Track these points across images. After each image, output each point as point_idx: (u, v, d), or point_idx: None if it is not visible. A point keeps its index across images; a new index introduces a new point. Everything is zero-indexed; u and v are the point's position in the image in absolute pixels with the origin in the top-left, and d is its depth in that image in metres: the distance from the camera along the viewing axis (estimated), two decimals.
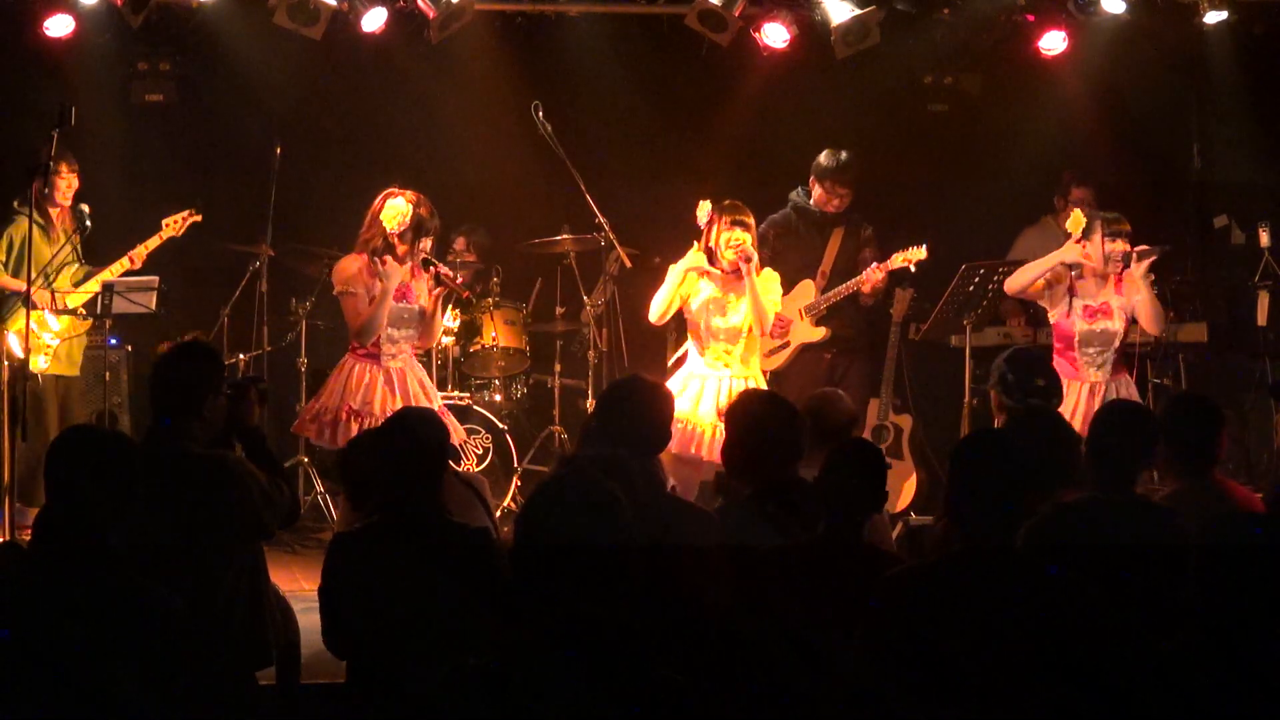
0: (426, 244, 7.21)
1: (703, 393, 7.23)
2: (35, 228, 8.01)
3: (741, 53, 9.17)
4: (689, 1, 8.87)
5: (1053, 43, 9.16)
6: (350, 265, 7.22)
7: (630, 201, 9.34)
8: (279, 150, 9.07)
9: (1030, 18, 9.11)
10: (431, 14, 8.64)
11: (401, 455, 4.52)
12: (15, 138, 8.51)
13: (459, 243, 9.81)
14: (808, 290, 8.40)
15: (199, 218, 8.33)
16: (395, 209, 7.16)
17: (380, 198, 7.23)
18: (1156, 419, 5.18)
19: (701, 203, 7.39)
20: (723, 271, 7.33)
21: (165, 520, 4.63)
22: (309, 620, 5.17)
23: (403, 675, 4.29)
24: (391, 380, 7.17)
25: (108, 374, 8.53)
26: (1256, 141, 9.77)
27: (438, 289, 7.28)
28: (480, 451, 8.69)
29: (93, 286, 8.26)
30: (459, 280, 7.51)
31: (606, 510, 3.03)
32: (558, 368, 9.35)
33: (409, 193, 7.21)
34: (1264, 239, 8.97)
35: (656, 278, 9.51)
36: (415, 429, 4.61)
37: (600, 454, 4.47)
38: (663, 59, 9.68)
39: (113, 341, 8.76)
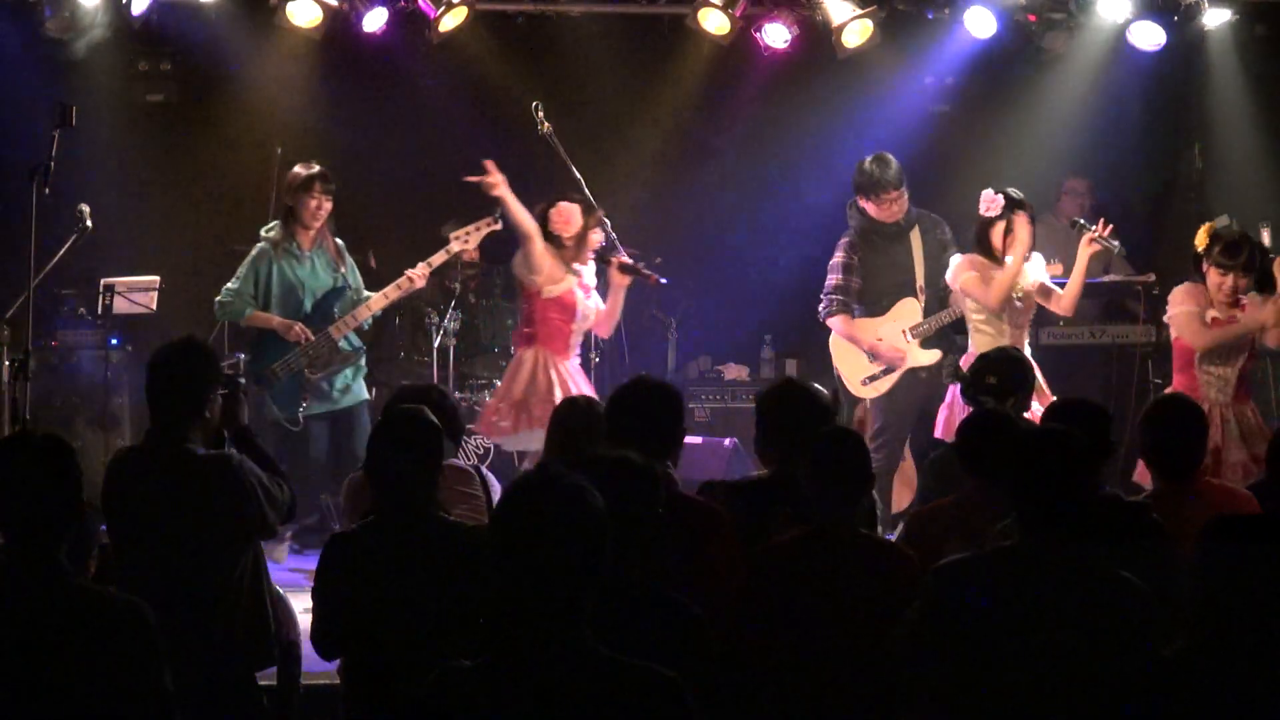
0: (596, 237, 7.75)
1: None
2: (287, 256, 7.99)
3: (742, 53, 9.17)
4: (689, 1, 8.88)
5: (1052, 43, 9.16)
6: (548, 256, 7.63)
7: (631, 201, 9.34)
8: (279, 150, 9.08)
9: (1031, 18, 9.11)
10: (432, 14, 8.64)
11: (397, 454, 4.50)
12: (16, 138, 8.49)
13: None
14: (911, 310, 8.18)
15: (498, 226, 8.10)
16: (568, 214, 7.67)
17: (554, 202, 7.71)
18: (1109, 420, 5.17)
19: (992, 196, 7.63)
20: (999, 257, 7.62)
21: (170, 520, 4.62)
22: (309, 620, 5.17)
23: (398, 676, 4.28)
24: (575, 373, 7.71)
25: (108, 373, 8.54)
26: (1256, 141, 9.77)
27: (622, 278, 7.77)
28: (480, 452, 8.69)
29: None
30: (641, 267, 7.93)
31: (577, 504, 3.00)
32: None
33: (574, 196, 7.73)
34: (1265, 239, 8.96)
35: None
36: (410, 427, 4.59)
37: (608, 455, 4.47)
38: (663, 59, 9.67)
39: (113, 341, 8.77)
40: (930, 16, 9.20)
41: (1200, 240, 7.20)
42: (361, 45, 8.97)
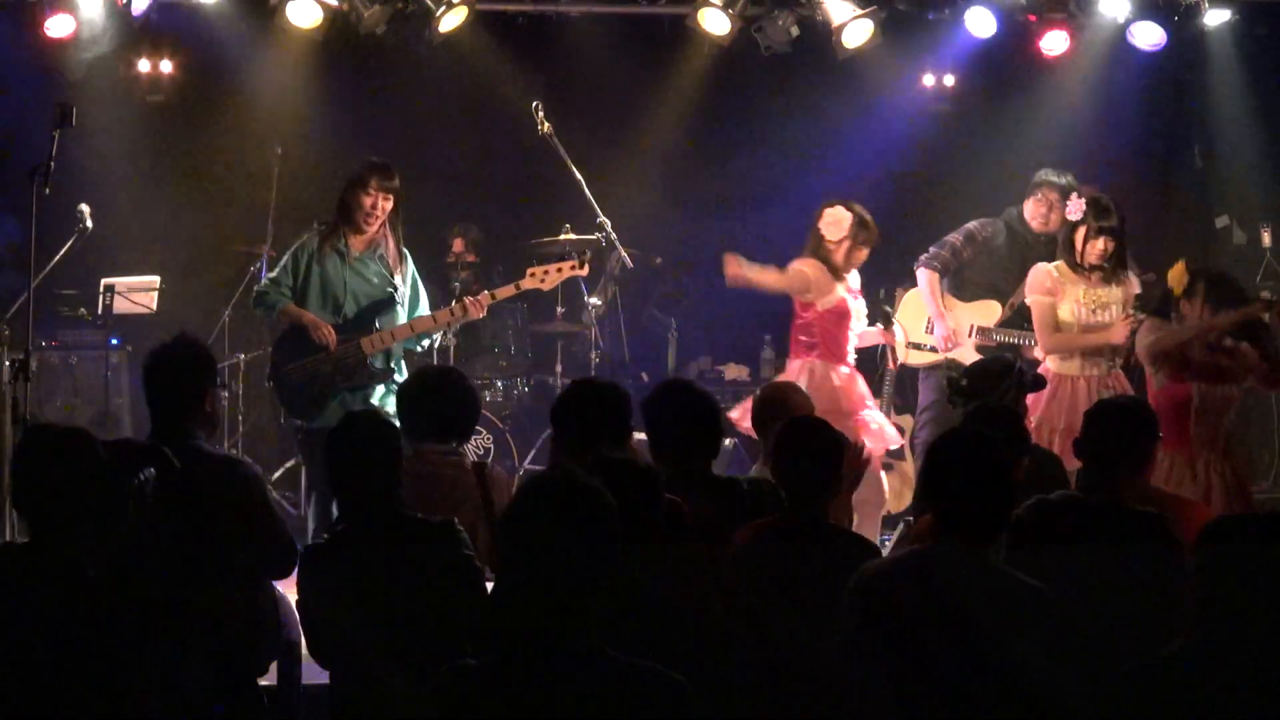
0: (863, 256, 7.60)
1: (1067, 393, 7.14)
2: (332, 253, 7.33)
3: (742, 53, 9.17)
4: (689, 1, 8.88)
5: (1053, 43, 9.16)
6: (808, 273, 7.53)
7: (631, 201, 9.34)
8: (279, 150, 9.08)
9: (1031, 18, 9.12)
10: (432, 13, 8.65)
11: (355, 459, 4.51)
12: (16, 138, 8.49)
13: (457, 244, 9.78)
14: (990, 312, 8.22)
15: (583, 272, 7.86)
16: (834, 217, 7.53)
17: (821, 208, 7.60)
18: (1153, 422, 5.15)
19: (1077, 199, 7.40)
20: (1087, 271, 7.31)
21: (175, 516, 4.61)
22: None
23: (386, 678, 4.28)
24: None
25: (108, 373, 8.54)
26: (1257, 142, 9.77)
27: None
28: (481, 452, 8.69)
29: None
30: None
31: (589, 504, 3.01)
32: (558, 368, 9.34)
33: (847, 203, 7.57)
34: (1265, 239, 8.99)
35: (658, 277, 9.54)
36: (361, 434, 4.60)
37: (611, 457, 4.48)
38: (663, 59, 9.68)
39: (113, 341, 8.77)
40: (930, 16, 9.20)
41: (1178, 281, 6.71)
42: (361, 45, 8.97)
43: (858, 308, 7.70)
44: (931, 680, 3.84)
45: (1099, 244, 7.24)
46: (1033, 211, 8.23)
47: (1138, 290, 7.33)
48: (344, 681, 4.49)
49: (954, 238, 8.30)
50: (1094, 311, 7.26)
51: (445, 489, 5.09)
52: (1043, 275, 7.36)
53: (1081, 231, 7.27)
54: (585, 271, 7.87)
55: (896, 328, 8.22)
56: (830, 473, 4.59)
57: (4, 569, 3.73)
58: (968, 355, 8.12)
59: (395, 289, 7.40)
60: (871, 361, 8.92)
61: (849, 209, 7.58)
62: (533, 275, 7.72)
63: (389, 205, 7.33)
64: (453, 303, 7.71)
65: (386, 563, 4.36)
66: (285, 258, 7.45)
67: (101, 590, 3.62)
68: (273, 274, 7.51)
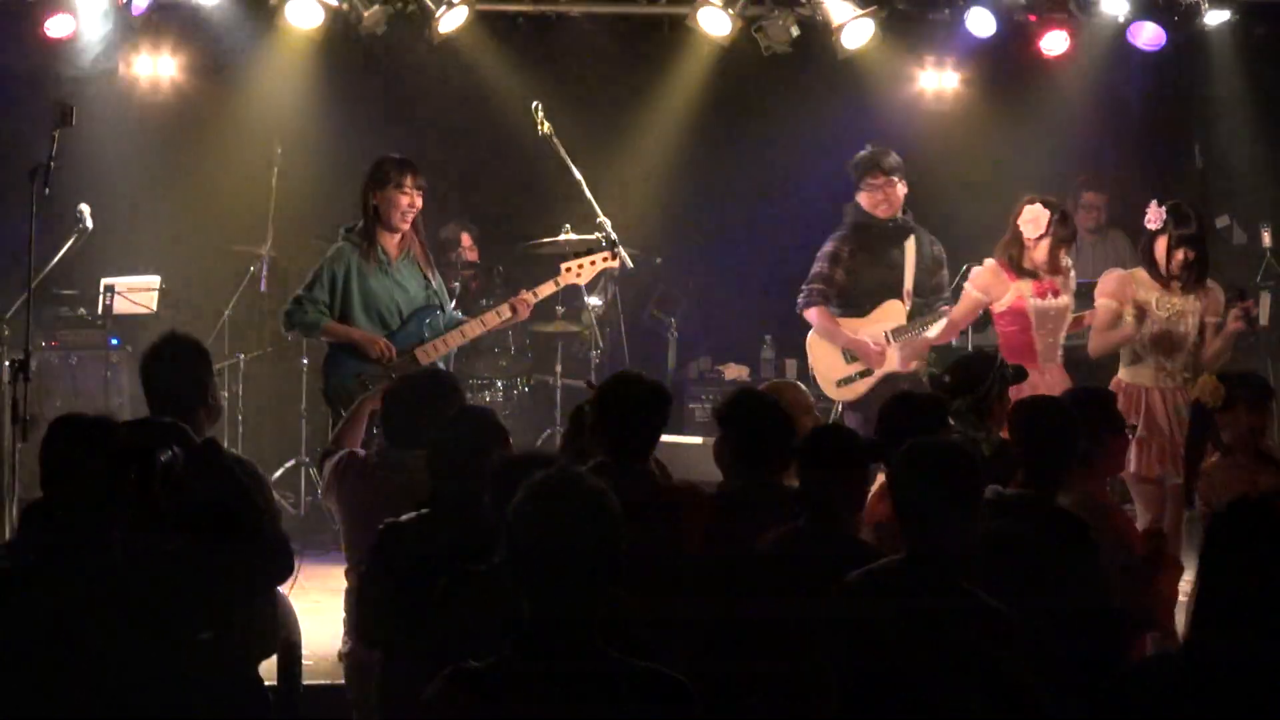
0: (1065, 252, 7.24)
1: (1141, 404, 6.91)
2: (365, 260, 7.11)
3: (742, 53, 9.18)
4: (689, 1, 8.89)
5: (1053, 43, 9.18)
6: (988, 273, 7.28)
7: (631, 201, 9.34)
8: (279, 150, 9.08)
9: (1031, 17, 9.13)
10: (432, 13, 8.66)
11: (465, 453, 4.49)
12: (15, 138, 8.49)
13: (465, 238, 9.75)
14: (895, 312, 7.81)
15: (615, 264, 7.66)
16: (1033, 214, 7.18)
17: (1019, 205, 7.24)
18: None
19: (1156, 207, 7.09)
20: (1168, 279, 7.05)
21: (202, 493, 4.59)
22: (309, 621, 5.17)
23: (434, 670, 4.27)
24: None
25: (108, 373, 8.54)
26: (1257, 141, 9.77)
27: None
28: None
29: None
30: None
31: (594, 506, 3.01)
32: (558, 368, 9.34)
33: (1046, 199, 7.20)
34: (1266, 239, 8.98)
35: (659, 277, 9.53)
36: (482, 427, 4.59)
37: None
38: (663, 59, 9.68)
39: (113, 341, 8.76)
40: (930, 16, 9.23)
41: (1213, 395, 6.20)
42: (361, 45, 8.98)
43: (1047, 306, 7.20)
44: (890, 694, 3.80)
45: (1180, 254, 6.97)
46: (870, 203, 7.82)
47: (1222, 300, 7.07)
48: (394, 666, 4.46)
49: (819, 266, 7.83)
50: (1168, 320, 6.99)
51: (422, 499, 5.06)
52: (1115, 281, 7.14)
53: (1162, 241, 7.00)
54: (617, 264, 7.70)
55: (812, 378, 7.89)
56: (853, 485, 4.53)
57: (36, 559, 3.75)
58: (895, 361, 7.73)
59: (434, 292, 7.24)
60: None
61: (1048, 205, 7.19)
62: (568, 270, 7.57)
63: (420, 202, 7.19)
64: (451, 302, 7.67)
65: (458, 558, 4.33)
66: (321, 274, 7.15)
67: (128, 577, 3.65)
68: (303, 291, 7.18)
